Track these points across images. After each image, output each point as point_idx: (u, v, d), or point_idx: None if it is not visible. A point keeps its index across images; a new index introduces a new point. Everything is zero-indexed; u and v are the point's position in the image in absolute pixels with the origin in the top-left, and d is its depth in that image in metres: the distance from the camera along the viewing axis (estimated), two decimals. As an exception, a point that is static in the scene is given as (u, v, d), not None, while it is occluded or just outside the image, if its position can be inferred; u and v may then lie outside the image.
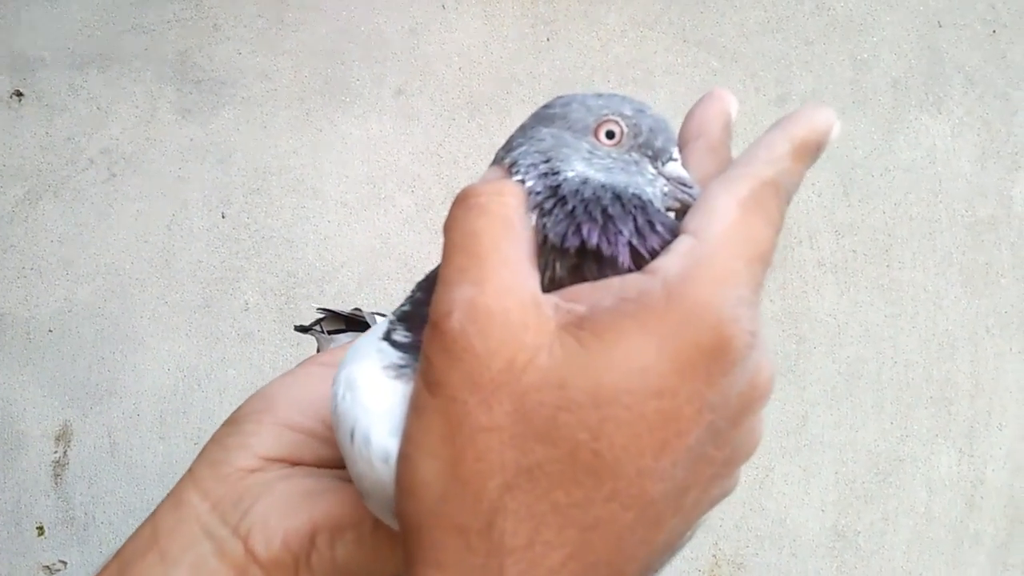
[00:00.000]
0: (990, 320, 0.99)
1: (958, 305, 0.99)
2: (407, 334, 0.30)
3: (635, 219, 0.28)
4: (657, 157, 0.32)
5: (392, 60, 0.98)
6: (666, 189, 0.30)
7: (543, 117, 0.35)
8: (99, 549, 0.98)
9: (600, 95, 0.33)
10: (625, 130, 0.32)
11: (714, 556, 1.00)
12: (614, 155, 0.32)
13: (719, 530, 1.00)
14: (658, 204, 0.30)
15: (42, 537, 0.98)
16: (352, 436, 0.29)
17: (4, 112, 0.97)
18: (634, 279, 0.24)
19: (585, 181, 0.31)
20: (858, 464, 1.00)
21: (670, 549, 0.25)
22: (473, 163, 0.97)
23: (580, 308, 0.23)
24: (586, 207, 0.30)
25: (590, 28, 0.98)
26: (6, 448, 0.97)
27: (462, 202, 0.24)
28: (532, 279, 0.24)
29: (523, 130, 0.34)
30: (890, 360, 1.00)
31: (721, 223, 0.24)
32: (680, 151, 0.30)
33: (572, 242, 0.27)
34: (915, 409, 1.00)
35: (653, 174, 0.31)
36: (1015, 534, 1.01)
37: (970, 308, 0.99)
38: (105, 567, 0.33)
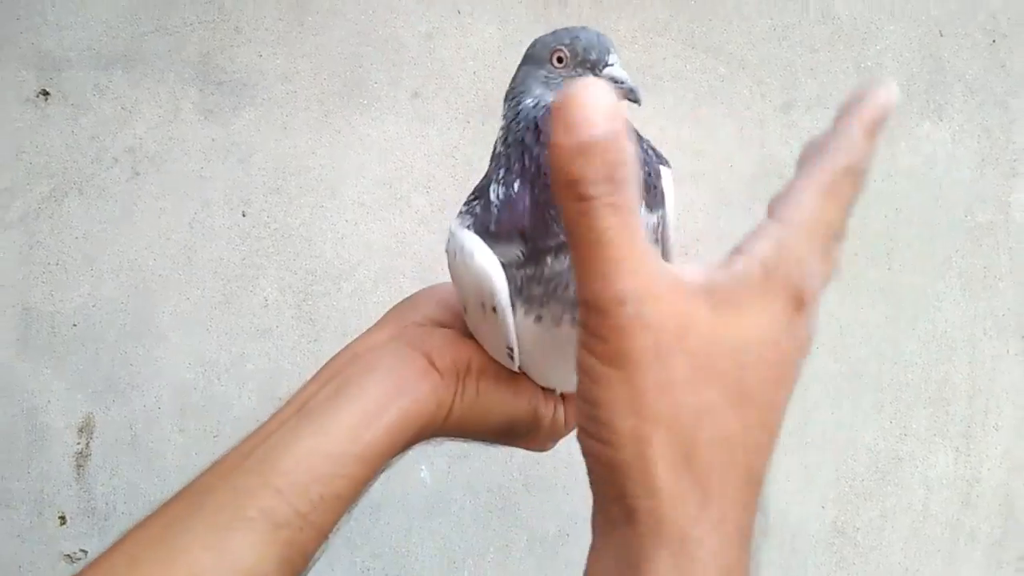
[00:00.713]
0: (988, 323, 1.02)
1: (957, 308, 1.02)
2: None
3: None
4: (595, 67, 0.43)
5: (409, 64, 1.00)
6: None
7: (525, 57, 0.47)
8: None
9: (556, 31, 0.43)
10: (567, 54, 0.44)
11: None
12: (563, 74, 0.44)
13: (722, 524, 1.03)
14: None
15: (64, 526, 1.01)
16: (482, 302, 0.46)
17: (31, 111, 0.99)
18: (741, 261, 0.32)
19: (536, 103, 0.45)
20: (858, 462, 1.03)
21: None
22: (487, 165, 0.99)
23: (702, 281, 0.31)
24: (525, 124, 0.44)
25: (602, 34, 1.01)
26: (30, 439, 1.00)
27: (579, 199, 0.29)
28: (659, 259, 0.31)
29: (517, 70, 0.47)
30: (890, 361, 1.02)
31: (802, 213, 0.32)
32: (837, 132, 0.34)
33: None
34: (914, 409, 1.03)
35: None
36: (1009, 532, 1.04)
37: (968, 311, 1.02)
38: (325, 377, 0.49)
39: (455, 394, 0.49)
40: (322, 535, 0.44)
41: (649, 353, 0.29)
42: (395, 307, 0.55)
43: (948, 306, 1.01)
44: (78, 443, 1.00)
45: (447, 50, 1.00)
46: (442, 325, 0.52)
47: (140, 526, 0.44)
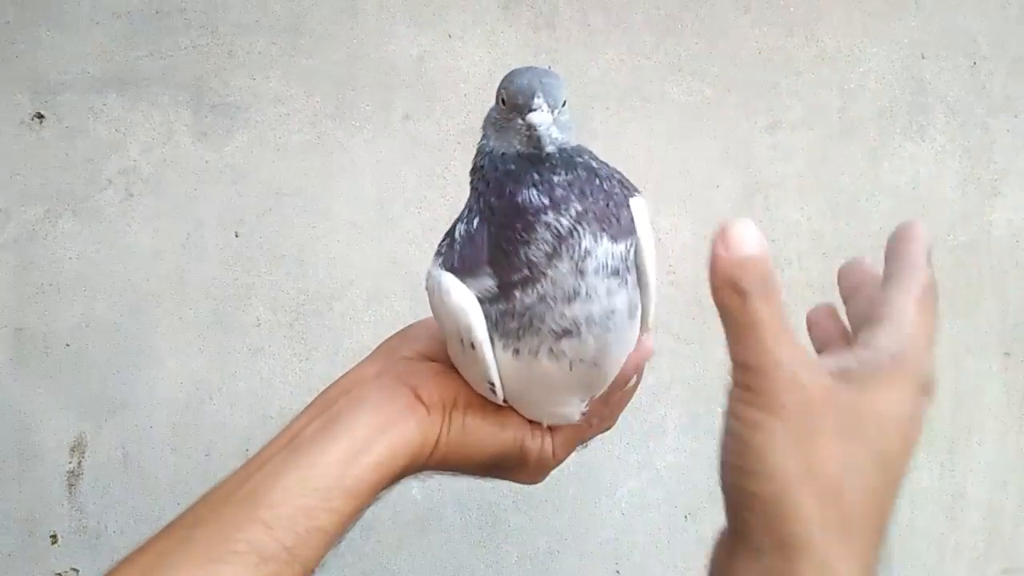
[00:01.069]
0: (970, 340, 1.04)
1: (939, 325, 1.04)
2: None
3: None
4: (521, 111, 0.46)
5: (400, 86, 1.01)
6: (524, 132, 0.46)
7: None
8: (110, 557, 1.00)
9: (510, 71, 0.49)
10: (505, 97, 0.47)
11: (706, 565, 1.04)
12: (506, 115, 0.47)
13: (711, 540, 1.04)
14: (518, 146, 0.47)
15: (55, 545, 1.01)
16: (461, 338, 0.48)
17: (26, 133, 1.00)
18: (869, 352, 0.38)
19: (484, 149, 0.50)
20: (845, 477, 1.04)
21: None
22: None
23: (836, 364, 0.38)
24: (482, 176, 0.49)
25: (590, 57, 1.02)
26: (22, 458, 1.00)
27: (739, 293, 0.36)
28: (802, 346, 0.38)
29: None
30: (875, 377, 1.04)
31: (910, 320, 0.39)
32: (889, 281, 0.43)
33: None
34: (899, 425, 1.04)
35: (520, 123, 0.46)
36: (993, 545, 1.05)
37: (952, 329, 1.04)
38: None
39: (441, 428, 0.50)
40: (307, 570, 0.45)
41: (804, 406, 0.35)
42: (386, 340, 0.56)
43: (932, 324, 1.03)
44: (70, 462, 1.00)
45: (438, 73, 1.02)
46: (432, 359, 0.54)
47: (129, 561, 0.45)
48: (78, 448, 1.00)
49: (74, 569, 1.01)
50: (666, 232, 1.02)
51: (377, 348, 0.56)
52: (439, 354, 0.54)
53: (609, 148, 1.01)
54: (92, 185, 0.99)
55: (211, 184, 1.00)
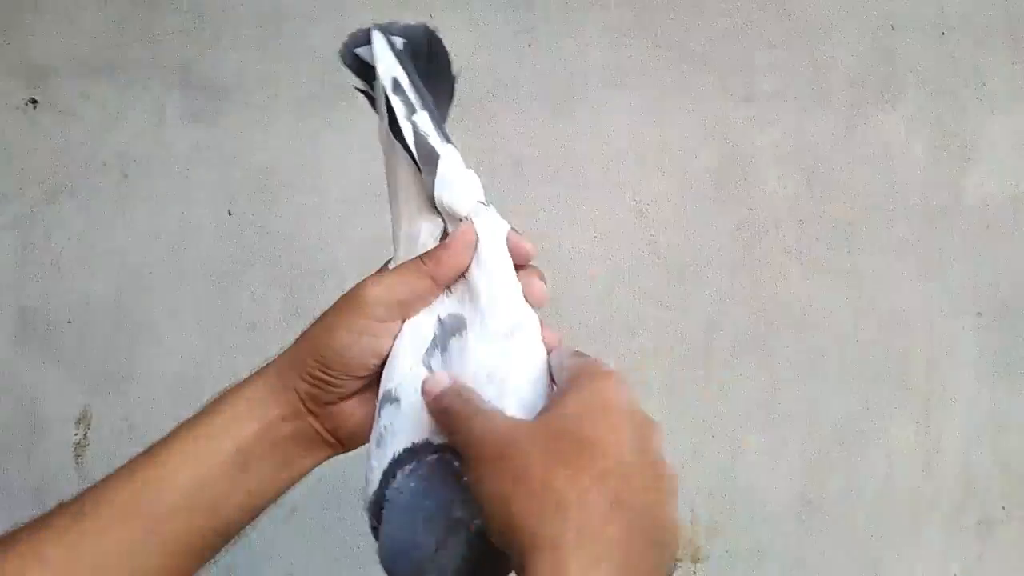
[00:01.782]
0: (943, 301, 1.07)
1: (914, 288, 1.06)
2: None
3: None
4: None
5: (385, 65, 1.04)
6: None
7: None
8: (118, 525, 1.05)
9: None
10: None
11: (690, 522, 1.08)
12: None
13: (695, 498, 1.07)
14: None
15: (65, 515, 1.05)
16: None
17: (21, 118, 1.03)
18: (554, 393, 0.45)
19: None
20: (823, 436, 1.08)
21: None
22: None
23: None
24: None
25: (569, 34, 1.05)
26: (29, 431, 1.04)
27: (443, 415, 0.43)
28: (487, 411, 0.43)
29: None
30: (852, 340, 1.07)
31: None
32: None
33: None
34: (876, 385, 1.07)
35: None
36: (968, 498, 1.09)
37: (925, 291, 1.07)
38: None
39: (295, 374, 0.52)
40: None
41: (500, 443, 0.41)
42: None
43: (906, 286, 1.06)
44: (76, 434, 1.04)
45: (422, 51, 1.04)
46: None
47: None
48: (83, 421, 1.04)
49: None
50: (647, 203, 1.05)
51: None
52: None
53: (589, 123, 1.04)
54: (88, 168, 1.02)
55: (203, 165, 1.02)
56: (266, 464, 0.51)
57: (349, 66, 0.53)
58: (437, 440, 0.45)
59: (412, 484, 0.44)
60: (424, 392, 0.45)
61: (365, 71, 0.53)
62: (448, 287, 0.50)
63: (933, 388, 1.07)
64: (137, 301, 1.03)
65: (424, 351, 0.49)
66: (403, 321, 0.50)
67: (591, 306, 1.05)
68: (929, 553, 1.09)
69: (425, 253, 0.50)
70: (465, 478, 0.41)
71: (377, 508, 0.45)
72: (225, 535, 0.51)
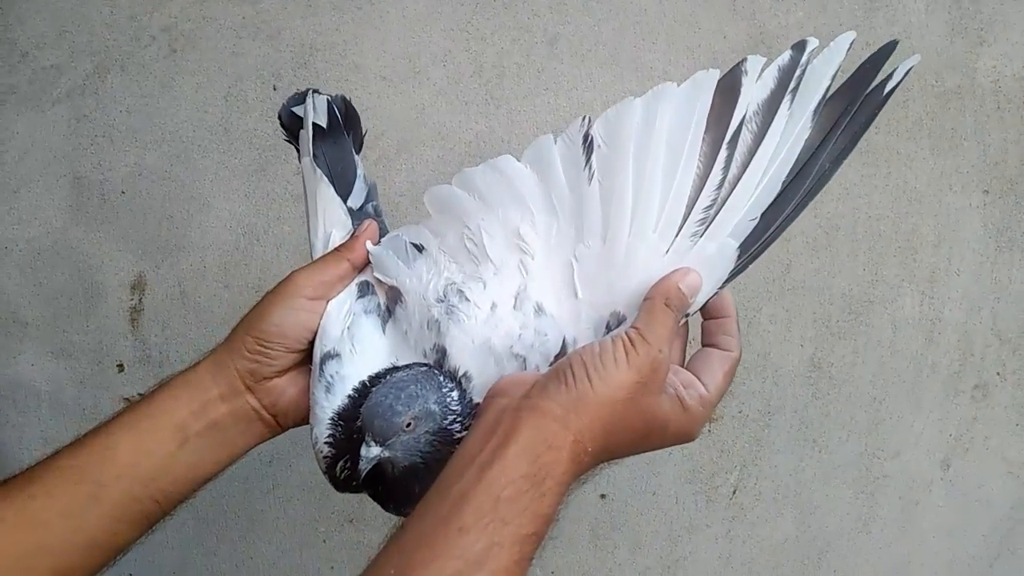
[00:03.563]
0: (953, 179, 1.11)
1: (925, 165, 1.11)
2: None
3: None
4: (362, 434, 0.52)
5: (423, -57, 1.05)
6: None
7: None
8: (175, 384, 1.11)
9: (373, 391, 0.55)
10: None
11: (707, 386, 1.15)
12: None
13: (712, 364, 1.14)
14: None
15: (122, 374, 1.11)
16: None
17: (71, -8, 1.04)
18: (689, 394, 0.53)
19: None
20: (833, 305, 1.13)
21: None
22: (499, 39, 1.06)
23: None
24: None
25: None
26: (87, 296, 1.09)
27: (675, 309, 0.52)
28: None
29: None
30: (864, 215, 1.12)
31: (717, 388, 0.53)
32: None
33: None
34: (885, 257, 1.12)
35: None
36: (966, 365, 1.15)
37: (936, 168, 1.11)
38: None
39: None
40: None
41: (651, 382, 0.50)
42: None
43: (918, 164, 1.10)
44: (131, 299, 1.09)
45: (459, -71, 1.05)
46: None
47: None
48: (138, 286, 1.09)
49: (140, 394, 1.10)
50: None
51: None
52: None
53: (622, 3, 1.06)
54: (137, 42, 1.04)
55: (249, 40, 1.04)
56: (204, 441, 0.57)
57: (281, 120, 0.69)
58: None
59: (402, 374, 0.54)
60: (685, 277, 0.53)
61: (294, 125, 0.68)
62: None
63: (939, 261, 1.12)
64: (187, 173, 1.06)
65: (349, 316, 0.58)
66: (327, 302, 0.58)
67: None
68: (927, 415, 1.17)
69: (341, 244, 0.60)
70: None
71: (329, 444, 0.56)
72: (164, 505, 0.57)
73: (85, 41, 1.03)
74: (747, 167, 0.53)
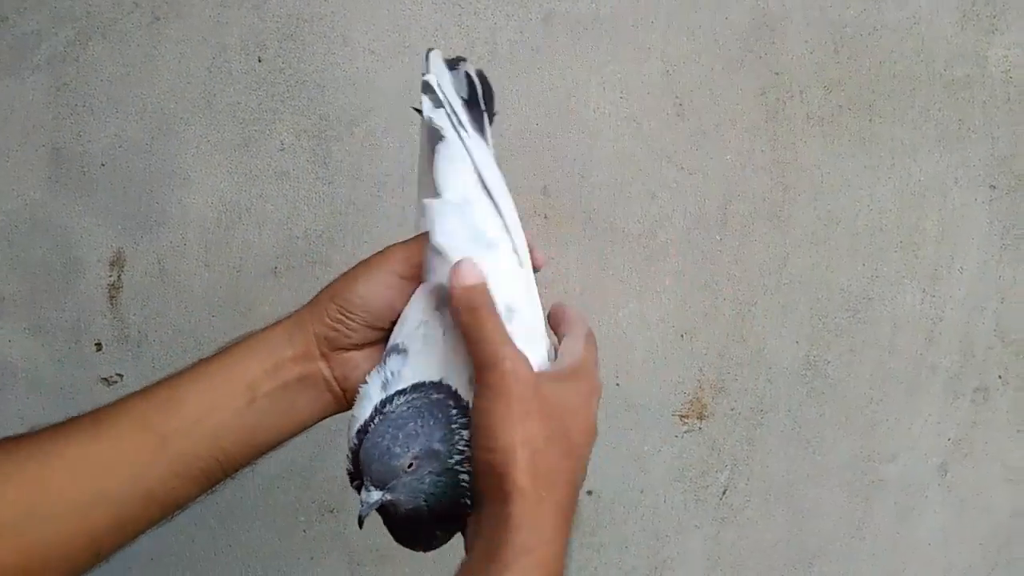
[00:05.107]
0: (959, 172, 1.04)
1: (931, 158, 1.04)
2: None
3: None
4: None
5: (417, -85, 0.99)
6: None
7: None
8: (151, 364, 1.05)
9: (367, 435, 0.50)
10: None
11: (698, 380, 1.08)
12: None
13: (704, 357, 1.08)
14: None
15: (100, 352, 1.05)
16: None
17: (53, -43, 0.99)
18: (558, 365, 0.51)
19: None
20: (831, 302, 1.07)
21: None
22: (492, 14, 1.00)
23: (539, 366, 0.49)
24: None
25: None
26: (65, 271, 1.03)
27: (470, 310, 0.48)
28: (515, 345, 0.48)
29: None
30: (866, 208, 1.05)
31: (580, 349, 0.51)
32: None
33: None
34: (886, 253, 1.06)
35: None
36: (967, 366, 1.09)
37: (942, 161, 1.04)
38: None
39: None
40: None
41: (521, 393, 0.45)
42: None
43: (923, 156, 1.04)
44: (110, 276, 1.03)
45: (454, -99, 0.99)
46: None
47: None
48: (117, 263, 1.03)
49: (119, 374, 1.05)
50: (674, 64, 1.02)
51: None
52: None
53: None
54: (119, 8, 0.98)
55: (234, 8, 0.99)
56: (271, 404, 0.53)
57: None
58: (449, 382, 0.49)
59: (406, 408, 0.48)
60: (457, 273, 0.48)
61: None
62: None
63: (941, 258, 1.06)
64: (168, 146, 1.01)
65: (431, 309, 0.52)
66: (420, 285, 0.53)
67: (613, 167, 1.03)
68: (926, 418, 1.10)
69: None
70: (466, 401, 0.48)
71: (360, 435, 0.49)
72: (225, 466, 0.53)
73: (66, 6, 0.98)
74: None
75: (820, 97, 1.02)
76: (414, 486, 0.48)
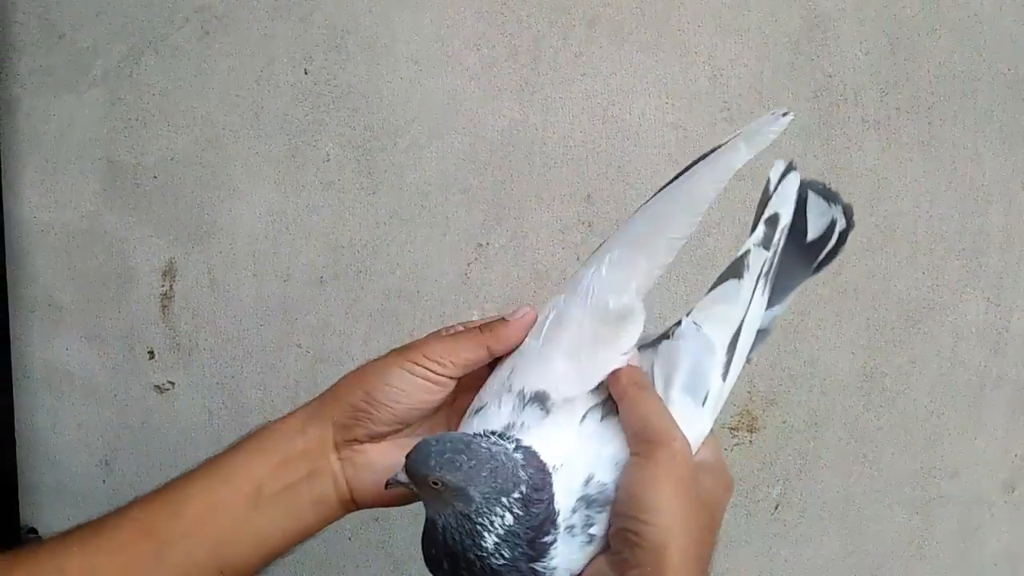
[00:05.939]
0: (1025, 175, 0.99)
1: (995, 161, 0.98)
2: None
3: None
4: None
5: (460, -76, 0.98)
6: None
7: None
8: (202, 372, 1.05)
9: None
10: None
11: (748, 392, 1.04)
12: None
13: (755, 369, 1.03)
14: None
15: (152, 360, 1.06)
16: None
17: (107, -25, 1.00)
18: (705, 457, 0.50)
19: None
20: (889, 311, 1.02)
21: None
22: (535, 22, 0.97)
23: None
24: None
25: None
26: (120, 281, 1.04)
27: (638, 386, 0.48)
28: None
29: None
30: (926, 214, 1.00)
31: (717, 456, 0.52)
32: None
33: None
34: (947, 260, 1.00)
35: None
36: (1036, 379, 1.03)
37: (1007, 164, 0.98)
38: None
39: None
40: None
41: (682, 476, 0.45)
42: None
43: (987, 159, 0.98)
44: (162, 285, 1.04)
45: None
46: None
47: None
48: (169, 273, 1.04)
49: (171, 382, 1.06)
50: (722, 68, 0.98)
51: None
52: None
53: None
54: (170, 24, 0.99)
55: (281, 22, 0.99)
56: (277, 506, 0.50)
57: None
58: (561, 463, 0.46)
59: (483, 444, 0.45)
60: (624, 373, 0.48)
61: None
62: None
63: (1007, 265, 1.00)
64: (218, 158, 1.01)
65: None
66: (455, 381, 0.50)
67: (658, 173, 1.00)
68: (991, 433, 1.04)
69: (485, 324, 0.51)
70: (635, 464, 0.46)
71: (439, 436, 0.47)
72: None
73: (120, 22, 0.99)
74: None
75: (876, 100, 0.97)
76: (436, 502, 0.46)
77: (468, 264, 1.01)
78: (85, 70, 1.00)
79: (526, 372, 0.48)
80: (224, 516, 0.49)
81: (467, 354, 0.50)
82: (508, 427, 0.47)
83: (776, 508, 1.04)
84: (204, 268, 1.03)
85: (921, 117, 0.97)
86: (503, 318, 0.50)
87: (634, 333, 0.48)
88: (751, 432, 1.04)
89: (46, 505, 1.06)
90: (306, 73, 0.99)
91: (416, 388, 0.49)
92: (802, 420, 1.03)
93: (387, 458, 0.50)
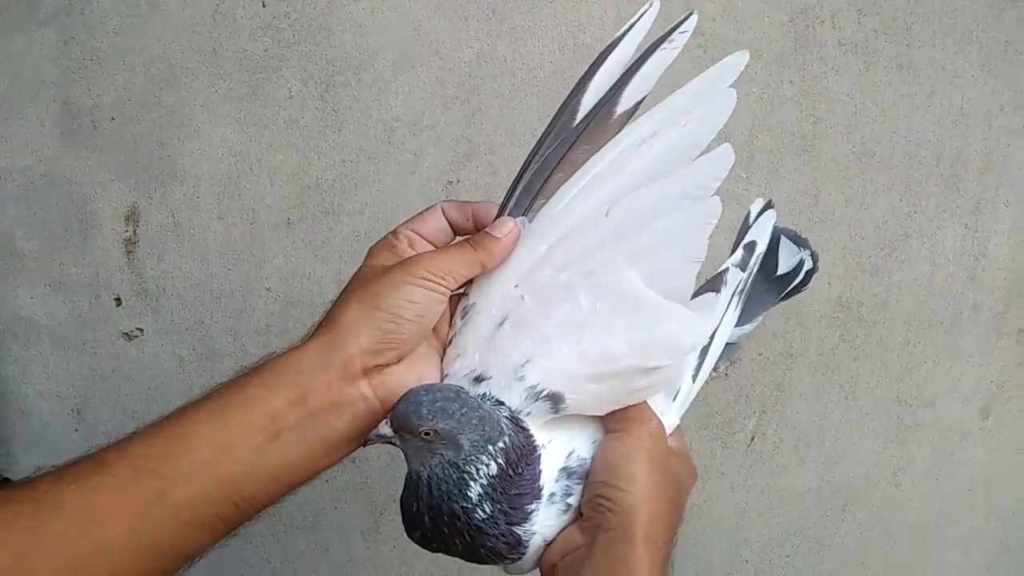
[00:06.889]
0: (1005, 98, 0.95)
1: (975, 83, 0.95)
2: None
3: None
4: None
5: None
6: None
7: None
8: (171, 317, 1.02)
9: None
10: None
11: (726, 325, 1.02)
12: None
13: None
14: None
15: (120, 307, 1.03)
16: None
17: (52, -94, 0.94)
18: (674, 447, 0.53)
19: None
20: (865, 239, 0.99)
21: None
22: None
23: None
24: None
25: None
26: (82, 227, 1.00)
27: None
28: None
29: None
30: (903, 139, 0.97)
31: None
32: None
33: None
34: (924, 186, 0.98)
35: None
36: (1012, 305, 1.00)
37: (986, 86, 0.95)
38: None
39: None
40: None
41: (656, 450, 0.49)
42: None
43: (966, 82, 0.94)
44: (126, 231, 1.00)
45: None
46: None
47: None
48: (132, 218, 1.00)
49: (139, 329, 1.03)
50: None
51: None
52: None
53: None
54: (121, -44, 0.94)
55: (235, -48, 0.94)
56: (300, 443, 0.47)
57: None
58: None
59: (474, 396, 0.47)
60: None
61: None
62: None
63: (985, 189, 0.97)
64: (177, 98, 0.96)
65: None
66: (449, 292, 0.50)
67: (632, 104, 0.96)
68: (967, 360, 1.02)
69: (475, 239, 0.50)
70: (615, 441, 0.49)
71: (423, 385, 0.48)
72: (244, 510, 0.46)
73: (68, -43, 0.93)
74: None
75: (853, 22, 0.93)
76: (423, 453, 0.45)
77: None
78: (35, 9, 0.95)
79: (543, 364, 0.50)
80: (237, 454, 0.46)
81: (464, 270, 0.50)
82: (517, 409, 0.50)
83: (752, 440, 1.03)
84: (168, 212, 0.99)
85: (899, 39, 0.93)
86: (490, 233, 0.50)
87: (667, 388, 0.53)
88: (729, 363, 1.02)
89: (19, 454, 1.04)
90: (264, 6, 0.94)
91: (432, 302, 0.48)
92: (777, 351, 1.01)
93: (413, 373, 0.49)
